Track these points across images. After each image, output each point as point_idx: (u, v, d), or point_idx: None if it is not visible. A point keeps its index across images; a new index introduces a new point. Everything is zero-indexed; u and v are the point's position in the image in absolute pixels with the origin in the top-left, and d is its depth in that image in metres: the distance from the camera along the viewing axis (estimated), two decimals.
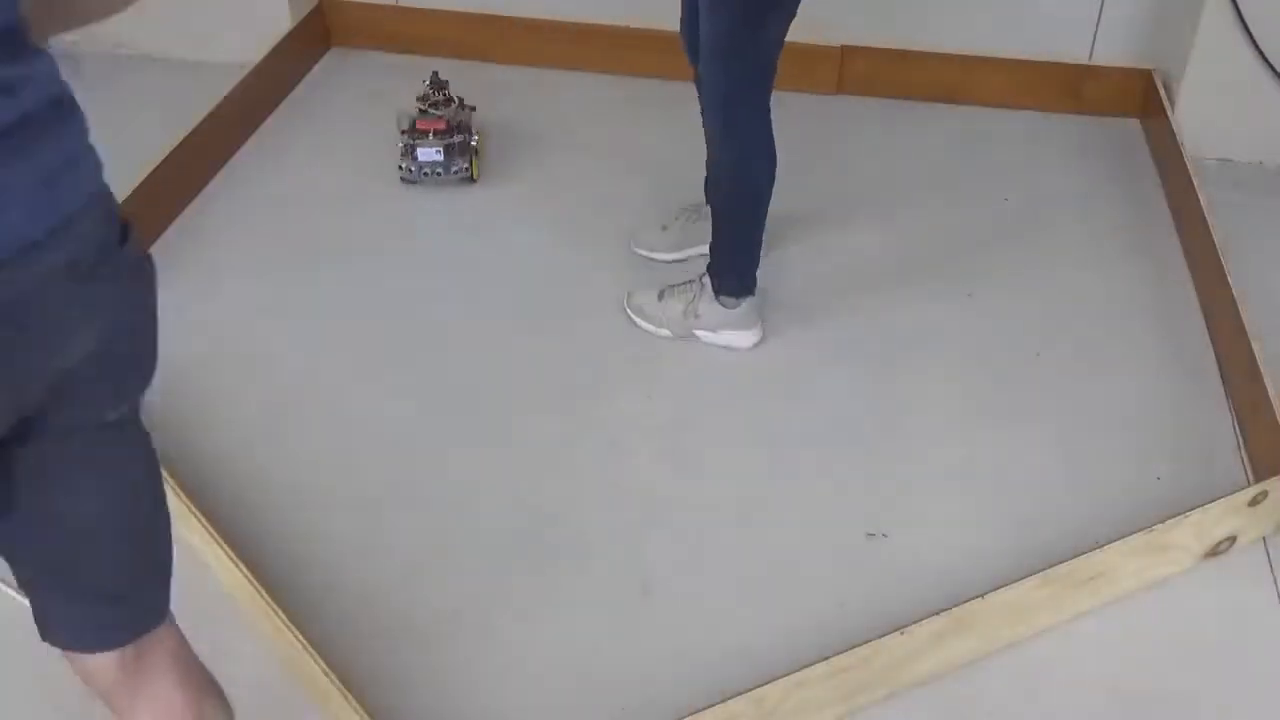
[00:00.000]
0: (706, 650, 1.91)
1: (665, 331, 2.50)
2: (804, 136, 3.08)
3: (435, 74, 2.97)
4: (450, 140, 2.91)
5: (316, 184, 3.00)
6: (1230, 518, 2.00)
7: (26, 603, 2.00)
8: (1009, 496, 2.17)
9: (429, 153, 2.89)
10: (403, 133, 2.91)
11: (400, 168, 2.93)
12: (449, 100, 2.96)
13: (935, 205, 2.90)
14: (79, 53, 3.82)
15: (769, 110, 2.27)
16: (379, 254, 2.77)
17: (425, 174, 2.91)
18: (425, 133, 2.89)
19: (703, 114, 2.32)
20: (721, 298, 2.43)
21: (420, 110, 2.93)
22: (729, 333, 2.46)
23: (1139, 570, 1.96)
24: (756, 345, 2.47)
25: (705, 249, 2.50)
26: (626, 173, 3.02)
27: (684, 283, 2.50)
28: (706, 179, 2.68)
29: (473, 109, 3.01)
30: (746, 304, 2.44)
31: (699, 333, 2.47)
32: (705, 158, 2.66)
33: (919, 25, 3.20)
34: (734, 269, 2.42)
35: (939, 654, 1.84)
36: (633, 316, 2.54)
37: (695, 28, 2.26)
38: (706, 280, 2.45)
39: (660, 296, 2.51)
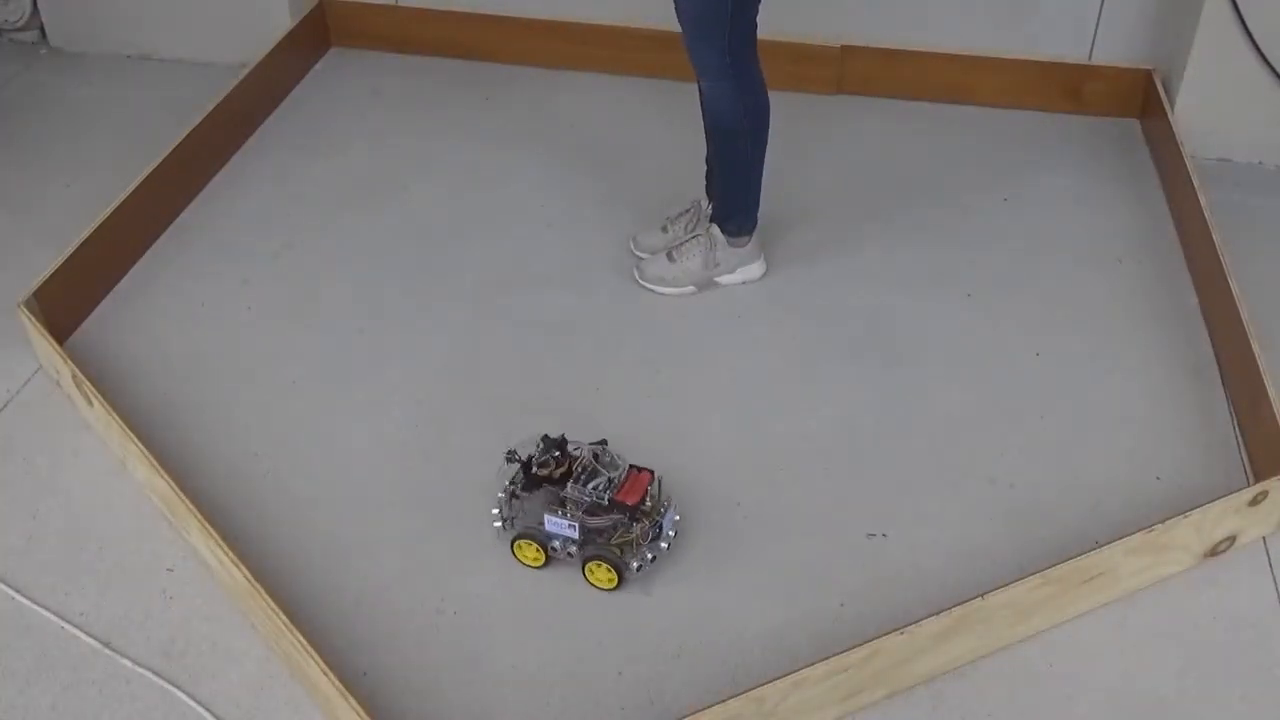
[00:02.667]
0: (706, 650, 1.91)
1: (690, 288, 2.62)
2: (804, 136, 3.09)
3: (545, 437, 2.05)
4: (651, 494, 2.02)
5: (317, 183, 3.00)
6: (1230, 517, 2.00)
7: (28, 603, 2.02)
8: (1009, 496, 2.17)
9: (670, 519, 2.05)
10: (603, 521, 1.97)
11: (631, 568, 1.97)
12: (575, 457, 2.03)
13: (935, 205, 2.90)
14: (82, 53, 3.87)
15: (757, 51, 2.39)
16: (379, 253, 2.77)
17: (666, 548, 2.03)
18: (635, 508, 1.96)
19: (698, 78, 2.42)
20: (734, 239, 2.60)
21: (589, 500, 1.96)
22: (743, 269, 2.64)
23: (1139, 570, 1.96)
24: (765, 275, 2.66)
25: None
26: (626, 173, 3.02)
27: (689, 238, 2.63)
28: (707, 175, 2.69)
29: (603, 443, 2.08)
30: (753, 238, 2.62)
31: (720, 279, 2.63)
32: (705, 154, 2.67)
33: (919, 25, 3.20)
34: (745, 208, 2.59)
35: (939, 654, 1.84)
36: (653, 288, 2.63)
37: None
38: (714, 229, 2.59)
39: (671, 258, 2.62)
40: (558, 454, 1.99)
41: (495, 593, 2.01)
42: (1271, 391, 2.16)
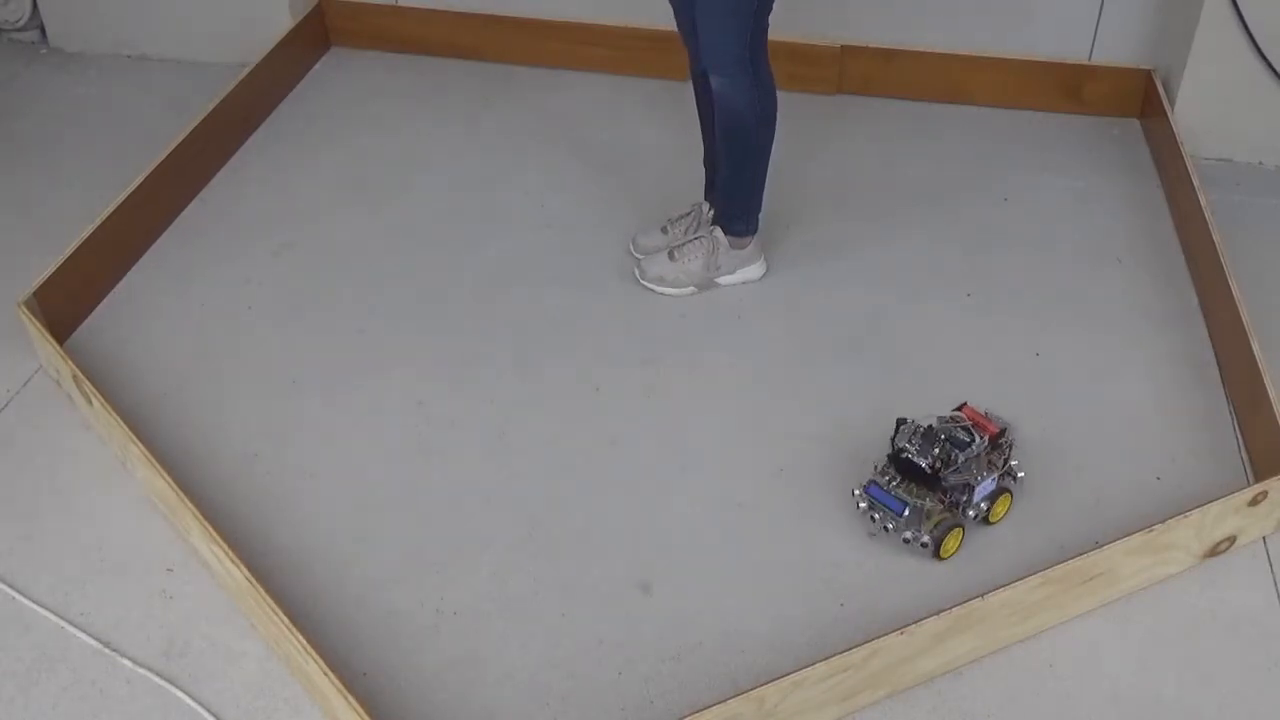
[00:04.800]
0: (705, 650, 1.91)
1: (690, 289, 2.62)
2: (804, 136, 3.09)
3: (925, 432, 2.05)
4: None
5: (317, 183, 3.00)
6: (1230, 517, 2.00)
7: (29, 603, 2.02)
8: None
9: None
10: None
11: (1018, 482, 2.14)
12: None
13: (935, 205, 2.90)
14: (82, 53, 3.87)
15: (767, 50, 2.40)
16: (379, 253, 2.77)
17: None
18: (1003, 431, 2.10)
19: (710, 74, 2.40)
20: (737, 240, 2.60)
21: (978, 453, 2.05)
22: (743, 270, 2.64)
23: (1139, 570, 1.96)
24: (765, 276, 2.66)
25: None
26: (626, 173, 3.02)
27: (691, 239, 2.62)
28: (707, 178, 2.69)
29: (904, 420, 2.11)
30: (755, 240, 2.62)
31: (720, 280, 2.63)
32: (703, 157, 2.67)
33: (919, 25, 3.20)
34: (750, 209, 2.59)
35: (939, 654, 1.84)
36: (653, 287, 2.63)
37: (687, 14, 2.40)
38: (717, 231, 2.59)
39: (672, 257, 2.61)
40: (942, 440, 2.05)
41: (495, 593, 2.01)
42: (1271, 391, 2.16)
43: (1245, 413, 2.28)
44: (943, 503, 2.03)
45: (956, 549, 2.06)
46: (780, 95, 2.48)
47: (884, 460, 2.09)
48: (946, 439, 2.04)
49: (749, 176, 2.54)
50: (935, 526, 2.02)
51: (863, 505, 2.07)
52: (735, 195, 2.57)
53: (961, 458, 2.02)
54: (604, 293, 2.64)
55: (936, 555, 2.03)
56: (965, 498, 2.03)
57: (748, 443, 2.28)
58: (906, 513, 2.02)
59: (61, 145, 3.16)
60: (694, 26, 2.39)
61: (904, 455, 2.04)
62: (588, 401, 2.37)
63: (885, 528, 2.05)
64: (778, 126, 2.49)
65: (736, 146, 2.50)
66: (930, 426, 2.06)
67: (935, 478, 2.02)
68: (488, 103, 3.31)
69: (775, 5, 2.33)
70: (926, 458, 2.02)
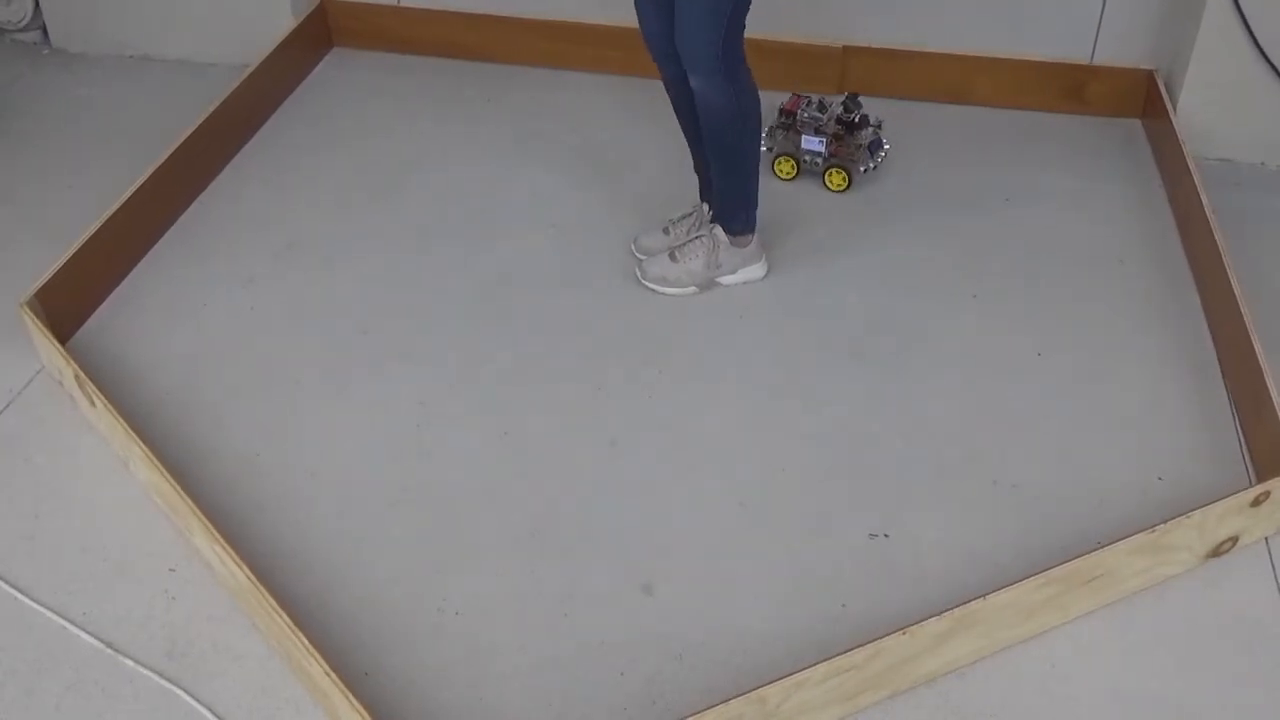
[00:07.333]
0: (708, 650, 1.91)
1: (692, 289, 2.63)
2: None
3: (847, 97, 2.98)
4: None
5: (319, 184, 3.01)
6: (1233, 518, 2.00)
7: (31, 603, 2.02)
8: (1011, 497, 2.17)
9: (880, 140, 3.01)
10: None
11: (859, 171, 2.95)
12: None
13: (936, 205, 2.90)
14: (84, 54, 3.87)
15: (744, 49, 2.41)
16: (381, 253, 2.77)
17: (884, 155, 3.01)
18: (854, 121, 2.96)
19: (690, 75, 2.38)
20: (737, 238, 2.61)
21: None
22: (745, 270, 2.65)
23: (1141, 570, 1.96)
24: (767, 275, 2.67)
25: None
26: (628, 173, 3.02)
27: (692, 239, 2.63)
28: (701, 181, 2.69)
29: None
30: (755, 239, 2.62)
31: (722, 279, 2.63)
32: (693, 163, 2.67)
33: (921, 25, 3.20)
34: (745, 207, 2.60)
35: (940, 654, 1.84)
36: (655, 288, 2.63)
37: (655, 23, 2.41)
38: (717, 230, 2.59)
39: (673, 258, 2.61)
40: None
41: (497, 593, 2.01)
42: (1274, 392, 2.16)
43: (1247, 413, 2.28)
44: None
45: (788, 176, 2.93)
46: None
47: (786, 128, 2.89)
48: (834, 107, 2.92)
49: (739, 174, 2.54)
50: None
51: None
52: (728, 194, 2.58)
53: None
54: (605, 293, 2.64)
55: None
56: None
57: (748, 443, 2.29)
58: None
59: (64, 146, 3.16)
60: (664, 35, 2.39)
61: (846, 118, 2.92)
62: (589, 401, 2.37)
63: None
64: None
65: (722, 145, 2.49)
66: (820, 100, 2.95)
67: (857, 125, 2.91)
68: (490, 103, 3.31)
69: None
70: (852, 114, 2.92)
